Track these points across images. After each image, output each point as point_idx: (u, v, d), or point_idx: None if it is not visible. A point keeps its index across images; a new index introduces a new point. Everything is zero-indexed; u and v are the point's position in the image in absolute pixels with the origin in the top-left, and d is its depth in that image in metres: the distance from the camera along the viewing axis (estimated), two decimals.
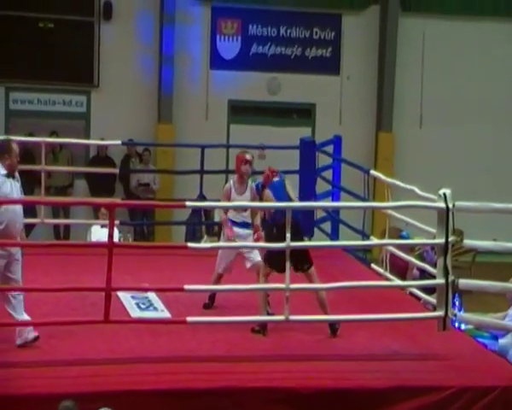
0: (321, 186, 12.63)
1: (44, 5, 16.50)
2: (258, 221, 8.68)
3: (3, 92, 16.64)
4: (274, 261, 8.12)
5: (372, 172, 11.19)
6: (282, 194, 8.44)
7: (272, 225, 8.25)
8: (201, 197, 12.25)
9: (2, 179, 7.60)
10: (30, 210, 15.11)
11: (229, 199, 8.80)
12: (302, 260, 8.22)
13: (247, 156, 8.91)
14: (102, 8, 16.78)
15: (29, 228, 15.02)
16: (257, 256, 8.66)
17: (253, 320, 8.24)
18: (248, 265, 8.75)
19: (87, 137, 16.61)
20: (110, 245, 7.58)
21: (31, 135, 15.42)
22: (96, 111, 16.96)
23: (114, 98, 16.84)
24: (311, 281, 8.29)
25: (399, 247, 9.96)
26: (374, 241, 10.83)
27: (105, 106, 16.85)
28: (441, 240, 7.88)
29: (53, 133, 15.99)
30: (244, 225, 8.82)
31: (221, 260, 8.93)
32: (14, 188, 7.67)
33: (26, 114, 16.67)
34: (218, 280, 8.99)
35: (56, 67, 16.61)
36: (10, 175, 7.70)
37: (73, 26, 16.75)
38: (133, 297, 8.94)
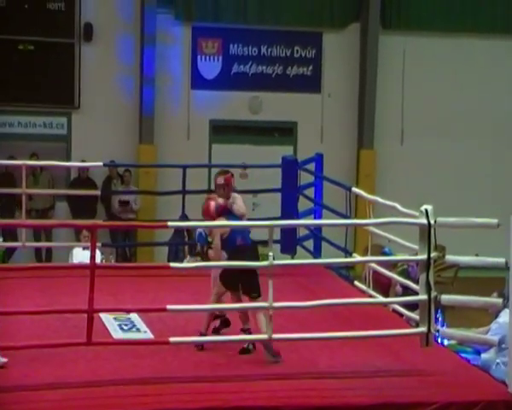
0: (303, 204, 12.63)
1: (24, 27, 16.50)
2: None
3: None
4: (227, 281, 8.14)
5: (354, 189, 11.20)
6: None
7: (230, 248, 8.20)
8: (184, 217, 12.22)
9: None
10: (11, 233, 15.13)
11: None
12: (251, 287, 8.10)
13: (218, 180, 8.49)
14: (83, 29, 16.79)
15: (10, 252, 15.02)
16: None
17: (237, 340, 8.21)
18: None
19: (68, 158, 16.58)
20: (92, 266, 7.55)
21: (11, 158, 15.39)
22: (76, 133, 16.95)
23: (95, 119, 16.83)
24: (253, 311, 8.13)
25: (382, 264, 9.97)
26: (356, 258, 10.83)
27: (86, 127, 16.84)
28: (423, 256, 7.88)
29: (33, 155, 15.95)
30: None
31: (215, 279, 8.77)
32: None
33: (6, 137, 16.62)
34: (218, 300, 8.51)
35: (37, 89, 16.59)
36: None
37: (54, 47, 16.75)
38: (115, 319, 8.89)
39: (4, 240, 14.52)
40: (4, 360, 7.55)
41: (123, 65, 17.12)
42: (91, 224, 8.15)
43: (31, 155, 15.98)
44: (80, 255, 12.01)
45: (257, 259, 8.25)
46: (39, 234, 15.83)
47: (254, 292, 8.13)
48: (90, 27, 16.82)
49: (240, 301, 8.25)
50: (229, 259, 8.14)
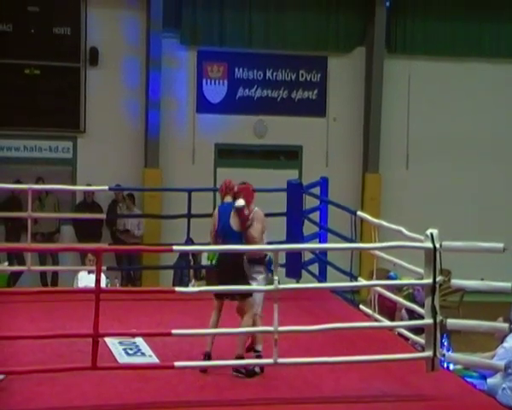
0: (308, 228, 12.62)
1: (30, 52, 16.57)
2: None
3: None
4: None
5: (359, 213, 11.20)
6: (224, 220, 8.35)
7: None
8: (189, 241, 12.22)
9: None
10: (17, 257, 15.15)
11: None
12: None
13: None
14: (89, 53, 16.86)
15: (16, 275, 15.04)
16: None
17: (241, 364, 8.19)
18: None
19: (73, 182, 16.61)
20: (97, 291, 7.55)
21: (18, 182, 15.44)
22: (82, 156, 16.98)
23: (101, 143, 16.87)
24: (242, 307, 8.32)
25: (387, 287, 9.95)
26: (362, 282, 10.81)
27: (91, 151, 16.88)
28: (429, 280, 7.88)
29: (39, 179, 15.99)
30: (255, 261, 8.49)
31: (259, 300, 8.47)
32: None
33: (12, 161, 16.67)
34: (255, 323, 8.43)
35: (42, 113, 16.65)
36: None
37: (59, 72, 16.82)
38: (121, 343, 8.89)
39: (10, 264, 14.56)
40: (1, 376, 7.53)
41: (128, 89, 17.18)
42: (96, 248, 8.15)
43: (36, 179, 16.02)
44: (85, 279, 12.01)
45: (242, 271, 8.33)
46: (45, 258, 15.83)
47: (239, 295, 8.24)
48: (96, 52, 16.89)
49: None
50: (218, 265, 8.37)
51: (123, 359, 8.52)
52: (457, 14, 17.98)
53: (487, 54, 18.12)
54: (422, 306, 8.29)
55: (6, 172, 16.23)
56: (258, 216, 8.48)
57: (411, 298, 10.60)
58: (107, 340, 8.69)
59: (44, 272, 15.78)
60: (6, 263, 14.46)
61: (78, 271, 12.64)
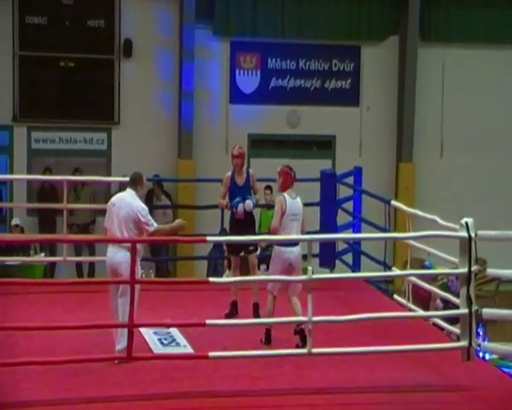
0: (342, 218, 12.60)
1: (65, 44, 16.69)
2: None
3: (25, 132, 16.80)
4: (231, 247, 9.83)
5: (393, 202, 11.17)
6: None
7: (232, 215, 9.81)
8: (223, 232, 12.25)
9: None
10: (52, 248, 15.29)
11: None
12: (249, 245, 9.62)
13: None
14: (122, 45, 16.94)
15: (52, 267, 15.18)
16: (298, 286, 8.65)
17: (276, 354, 8.21)
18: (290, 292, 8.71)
19: (108, 174, 16.70)
20: (132, 281, 7.61)
21: (47, 170, 15.71)
22: (116, 148, 17.08)
23: (135, 135, 16.96)
24: (252, 262, 9.72)
25: (422, 277, 9.91)
26: (396, 272, 10.78)
27: (125, 143, 16.97)
28: (464, 269, 7.84)
29: (76, 171, 16.11)
30: (295, 244, 8.73)
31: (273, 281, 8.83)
32: None
33: (47, 153, 16.80)
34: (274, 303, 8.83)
35: (77, 105, 16.78)
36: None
37: (94, 64, 16.93)
38: (155, 333, 8.95)
39: (46, 255, 14.70)
40: None
41: (162, 80, 17.23)
42: (131, 238, 8.20)
43: (74, 170, 16.16)
44: None
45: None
46: (80, 249, 15.95)
47: (251, 246, 9.61)
48: (130, 43, 16.97)
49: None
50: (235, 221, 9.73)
51: (158, 349, 8.58)
52: (492, 1, 17.81)
53: None
54: (457, 296, 8.26)
55: (42, 164, 16.39)
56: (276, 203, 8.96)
57: (446, 288, 10.55)
58: (143, 330, 8.75)
59: (80, 263, 15.90)
60: (42, 254, 14.61)
61: None
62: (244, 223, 9.77)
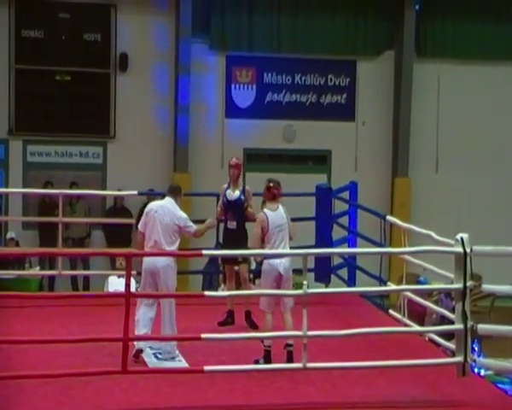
0: (337, 232, 12.61)
1: (61, 58, 16.70)
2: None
3: (21, 145, 16.79)
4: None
5: (388, 217, 11.18)
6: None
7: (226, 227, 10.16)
8: (218, 246, 12.23)
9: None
10: (49, 262, 15.27)
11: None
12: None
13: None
14: (118, 59, 16.96)
15: (51, 281, 15.18)
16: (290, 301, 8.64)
17: (271, 369, 8.19)
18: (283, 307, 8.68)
19: (104, 188, 16.69)
20: (127, 295, 7.60)
21: (48, 183, 15.64)
22: (112, 162, 17.07)
23: (130, 149, 16.96)
24: (243, 276, 9.98)
25: (417, 292, 9.91)
26: (391, 287, 10.78)
27: (121, 157, 16.97)
28: (459, 285, 7.84)
29: (73, 184, 16.11)
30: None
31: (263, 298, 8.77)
32: None
33: (42, 166, 16.79)
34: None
35: (73, 118, 16.78)
36: None
37: (90, 78, 16.94)
38: (150, 347, 8.92)
39: (42, 268, 14.68)
40: None
41: (158, 94, 17.25)
42: (126, 252, 8.20)
43: (70, 183, 16.14)
44: (115, 283, 12.08)
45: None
46: (76, 262, 15.93)
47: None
48: (126, 57, 16.99)
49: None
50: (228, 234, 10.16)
51: (153, 363, 8.56)
52: (487, 17, 17.87)
53: None
54: (451, 311, 8.26)
55: (37, 178, 16.37)
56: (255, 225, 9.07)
57: (439, 304, 10.55)
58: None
59: (75, 277, 15.87)
60: (38, 268, 14.59)
61: (108, 275, 12.71)
62: (236, 235, 9.97)
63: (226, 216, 10.20)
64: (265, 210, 8.85)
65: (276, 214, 8.78)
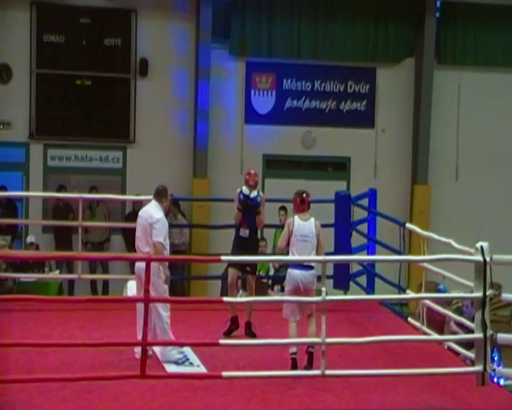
0: (356, 239, 12.59)
1: (82, 63, 16.77)
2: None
3: (41, 149, 16.87)
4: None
5: (408, 225, 11.15)
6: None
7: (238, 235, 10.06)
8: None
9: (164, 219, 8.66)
10: (69, 265, 15.33)
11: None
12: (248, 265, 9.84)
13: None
14: (139, 64, 17.01)
15: (71, 285, 15.24)
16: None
17: (289, 375, 8.19)
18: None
19: (123, 192, 16.73)
20: (146, 299, 7.62)
21: (61, 187, 15.81)
22: (131, 166, 17.12)
23: (150, 153, 17.00)
24: (249, 283, 9.90)
25: (436, 301, 9.88)
26: (410, 294, 10.75)
27: (141, 161, 17.00)
28: (479, 294, 7.81)
29: (93, 189, 16.16)
30: (306, 267, 8.66)
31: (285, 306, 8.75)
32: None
33: (63, 171, 16.86)
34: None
35: (93, 123, 16.84)
36: (166, 215, 8.92)
37: (110, 82, 16.99)
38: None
39: (63, 272, 14.75)
40: None
41: (177, 99, 17.29)
42: (146, 257, 8.21)
43: (90, 188, 16.20)
44: (135, 288, 12.07)
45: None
46: (95, 266, 15.98)
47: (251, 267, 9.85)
48: (146, 62, 17.04)
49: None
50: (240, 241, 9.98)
51: (171, 368, 8.57)
52: (508, 24, 17.80)
53: None
54: (471, 320, 8.22)
55: (57, 182, 16.44)
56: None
57: (460, 312, 10.51)
58: (156, 349, 8.75)
59: (95, 281, 15.92)
60: (57, 271, 14.64)
61: (127, 280, 12.72)
62: (247, 243, 9.92)
63: (241, 222, 10.07)
64: (296, 217, 8.84)
65: (304, 224, 8.78)
